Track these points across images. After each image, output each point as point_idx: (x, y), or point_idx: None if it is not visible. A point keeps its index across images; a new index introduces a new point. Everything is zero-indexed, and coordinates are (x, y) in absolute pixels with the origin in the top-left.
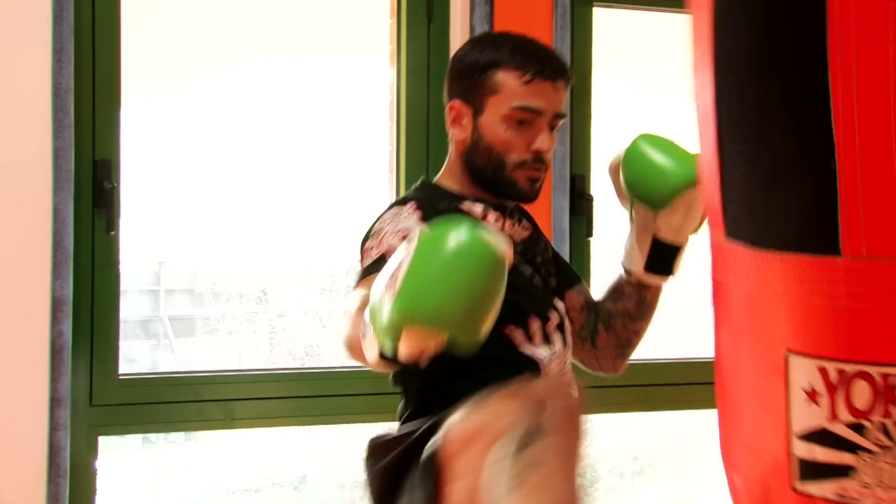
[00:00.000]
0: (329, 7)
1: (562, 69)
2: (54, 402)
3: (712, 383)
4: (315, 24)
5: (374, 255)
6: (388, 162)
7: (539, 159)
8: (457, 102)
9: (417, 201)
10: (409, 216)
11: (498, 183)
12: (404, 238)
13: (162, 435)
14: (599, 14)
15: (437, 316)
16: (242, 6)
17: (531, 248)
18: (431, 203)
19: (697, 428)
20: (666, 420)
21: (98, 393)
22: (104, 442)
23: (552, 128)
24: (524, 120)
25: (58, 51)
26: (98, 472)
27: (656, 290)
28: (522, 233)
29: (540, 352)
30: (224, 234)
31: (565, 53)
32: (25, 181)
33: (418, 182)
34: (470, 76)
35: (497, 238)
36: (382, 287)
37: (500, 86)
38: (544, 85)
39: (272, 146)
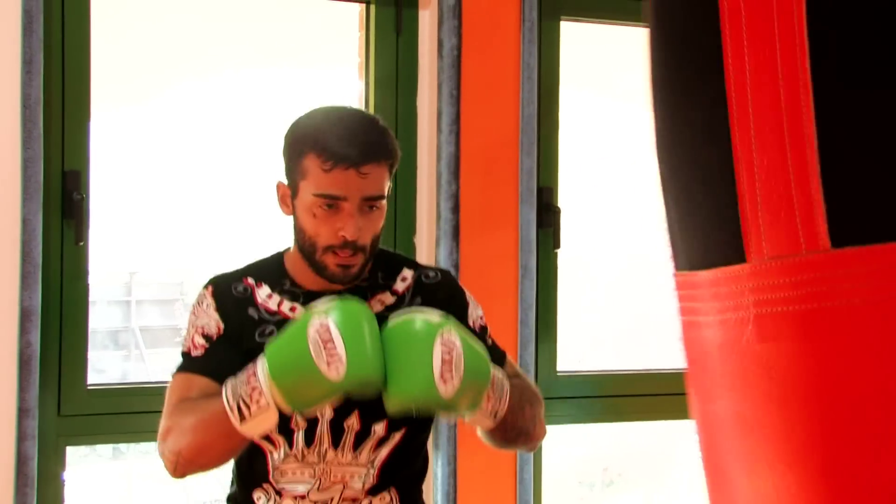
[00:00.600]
0: (298, 20)
1: (371, 154)
2: (22, 413)
3: (681, 394)
4: (284, 37)
5: (183, 350)
6: None
7: (347, 244)
8: (281, 183)
9: (214, 287)
10: (208, 308)
11: (312, 265)
12: (204, 336)
13: (132, 445)
14: (567, 28)
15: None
16: (212, 19)
17: None
18: (228, 289)
19: (666, 438)
20: (635, 431)
21: (66, 403)
22: (75, 452)
23: (370, 209)
24: (331, 206)
25: (27, 62)
26: (66, 482)
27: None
28: None
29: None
30: (194, 245)
31: (533, 66)
32: None
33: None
34: (287, 157)
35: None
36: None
37: (306, 171)
38: (347, 173)
39: (241, 157)
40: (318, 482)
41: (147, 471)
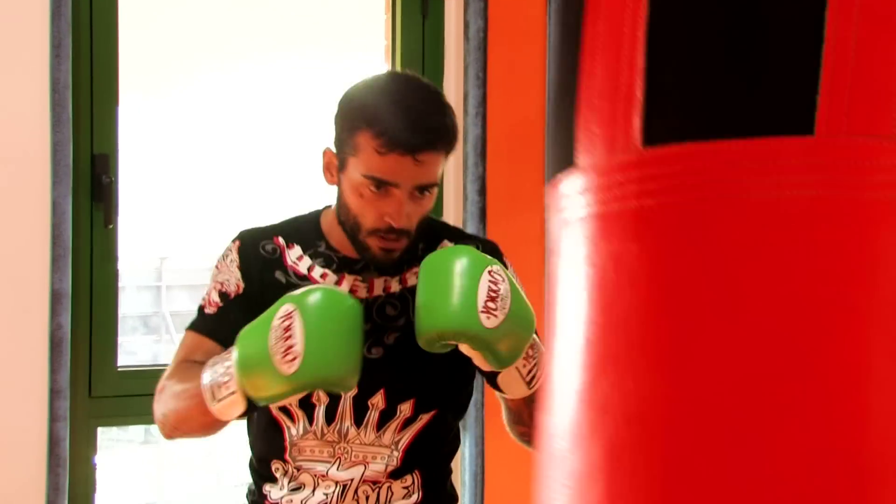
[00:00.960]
0: (325, 5)
1: (429, 141)
2: (54, 394)
3: None
4: (310, 22)
5: (200, 304)
6: None
7: (393, 230)
8: (328, 150)
9: (241, 244)
10: (231, 263)
11: (355, 243)
12: (220, 294)
13: None
14: None
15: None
16: (239, 4)
17: (370, 308)
18: (255, 247)
19: None
20: None
21: (97, 384)
22: (105, 437)
23: (420, 196)
24: (380, 188)
25: (56, 46)
26: (97, 466)
27: (514, 401)
28: (362, 292)
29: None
30: (224, 231)
31: None
32: (24, 176)
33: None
34: (340, 127)
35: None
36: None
37: (358, 148)
38: (403, 159)
39: (270, 142)
40: (338, 461)
41: (178, 456)
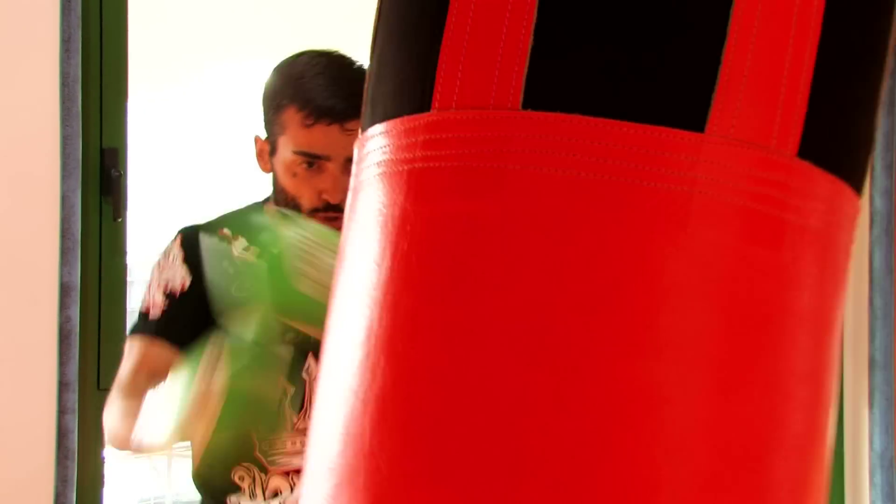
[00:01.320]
0: (335, 2)
1: (356, 108)
2: (62, 386)
3: None
4: (321, 19)
5: (141, 309)
6: None
7: (332, 207)
8: (258, 137)
9: (183, 237)
10: (175, 260)
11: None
12: (166, 293)
13: None
14: None
15: None
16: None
17: None
18: (199, 239)
19: None
20: None
21: (105, 377)
22: None
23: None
24: (312, 165)
25: (66, 41)
26: (106, 459)
27: None
28: None
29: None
30: None
31: None
32: (34, 169)
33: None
34: (266, 109)
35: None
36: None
37: (285, 126)
38: (330, 129)
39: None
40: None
41: (187, 450)
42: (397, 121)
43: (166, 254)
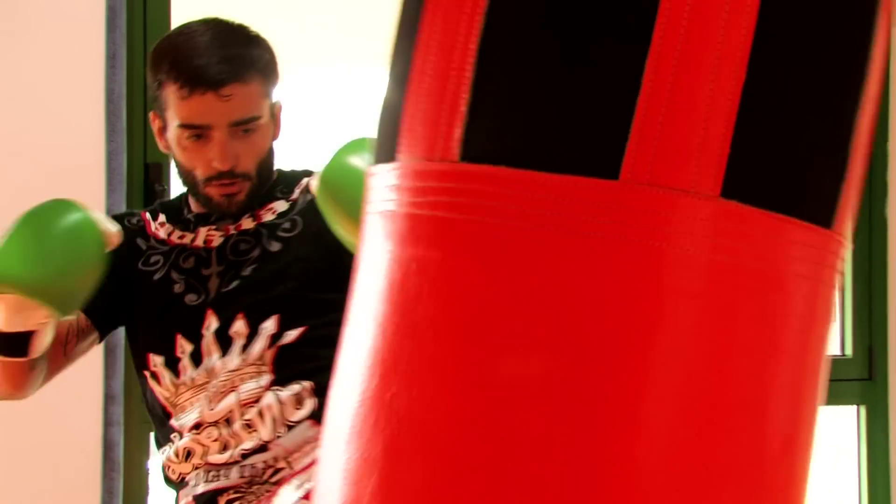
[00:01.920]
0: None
1: (231, 71)
2: (108, 399)
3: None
4: (343, 33)
5: None
6: None
7: (224, 174)
8: (153, 114)
9: (115, 217)
10: None
11: (198, 199)
12: None
13: None
14: None
15: (24, 280)
16: (285, 15)
17: (224, 250)
18: (121, 220)
19: None
20: None
21: None
22: None
23: (244, 133)
24: (198, 136)
25: (111, 57)
26: (151, 470)
27: None
28: (217, 239)
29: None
30: None
31: None
32: (80, 183)
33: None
34: (151, 87)
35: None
36: None
37: (167, 101)
38: (205, 97)
39: (310, 149)
40: (208, 401)
41: None
42: (376, 166)
43: None
